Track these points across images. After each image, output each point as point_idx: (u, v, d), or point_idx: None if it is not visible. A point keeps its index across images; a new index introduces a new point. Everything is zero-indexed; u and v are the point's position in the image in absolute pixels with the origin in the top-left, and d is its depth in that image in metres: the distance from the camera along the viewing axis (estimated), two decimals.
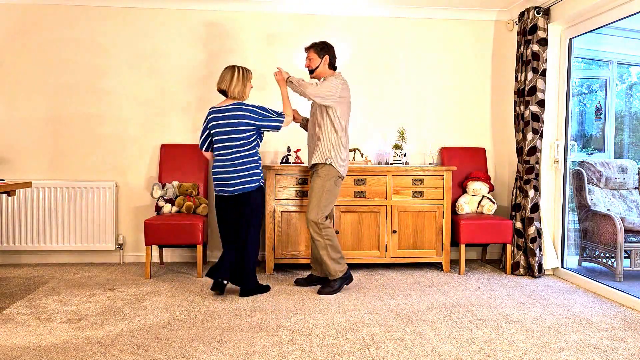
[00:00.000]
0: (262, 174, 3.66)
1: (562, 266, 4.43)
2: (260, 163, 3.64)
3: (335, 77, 3.78)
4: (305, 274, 4.33)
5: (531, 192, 4.35)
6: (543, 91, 4.30)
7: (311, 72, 3.84)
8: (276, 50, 4.81)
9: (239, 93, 3.59)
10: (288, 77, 3.74)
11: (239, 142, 3.54)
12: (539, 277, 4.33)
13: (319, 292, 3.72)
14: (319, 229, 3.70)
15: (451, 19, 4.94)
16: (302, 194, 4.29)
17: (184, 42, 4.73)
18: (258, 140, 3.64)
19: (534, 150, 4.34)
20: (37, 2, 4.58)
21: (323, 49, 3.81)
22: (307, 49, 3.84)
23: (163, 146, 4.68)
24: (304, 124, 4.06)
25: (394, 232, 4.37)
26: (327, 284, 3.75)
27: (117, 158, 4.73)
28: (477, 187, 4.64)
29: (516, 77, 4.53)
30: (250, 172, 3.56)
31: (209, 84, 4.67)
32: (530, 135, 4.34)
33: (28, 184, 3.62)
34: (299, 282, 3.99)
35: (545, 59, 4.29)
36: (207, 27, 4.74)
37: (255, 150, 3.61)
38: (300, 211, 4.31)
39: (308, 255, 4.32)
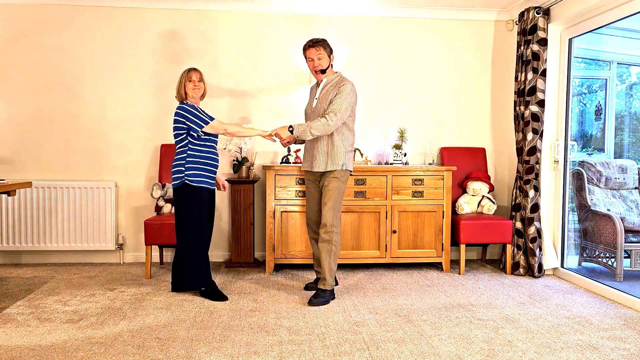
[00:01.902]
0: (190, 172, 3.53)
1: (562, 266, 4.43)
2: (187, 161, 3.54)
3: (349, 84, 3.52)
4: (305, 274, 4.33)
5: (531, 192, 4.35)
6: (543, 91, 4.30)
7: (322, 72, 3.59)
8: (276, 51, 4.81)
9: (178, 94, 3.68)
10: (290, 130, 3.48)
11: (174, 140, 3.66)
12: (539, 277, 4.33)
13: (311, 303, 3.47)
14: (331, 232, 3.53)
15: (451, 19, 4.94)
16: (302, 194, 4.29)
17: (183, 42, 4.73)
18: (190, 138, 3.57)
19: (534, 150, 4.34)
20: (38, 2, 4.58)
21: (329, 46, 3.58)
22: (316, 46, 3.54)
23: (163, 146, 4.68)
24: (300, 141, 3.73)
25: (394, 232, 4.37)
26: (319, 295, 3.51)
27: (117, 158, 4.73)
28: (477, 187, 4.64)
29: (516, 77, 4.53)
30: (175, 168, 3.60)
31: (209, 83, 4.66)
32: (530, 135, 4.34)
33: (28, 184, 3.62)
34: (310, 287, 3.88)
35: (545, 59, 4.29)
36: (207, 27, 4.75)
37: (184, 149, 3.58)
38: (301, 211, 4.31)
39: (308, 255, 4.32)
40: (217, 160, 3.69)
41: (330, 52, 3.60)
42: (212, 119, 3.58)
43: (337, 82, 3.58)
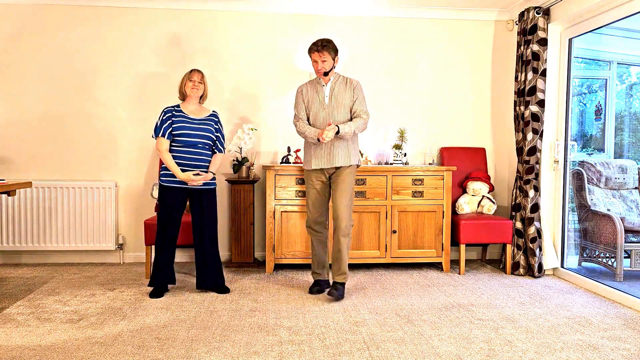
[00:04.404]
0: (162, 172, 3.65)
1: (562, 266, 4.43)
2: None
3: (360, 84, 3.76)
4: (305, 274, 4.33)
5: (531, 192, 4.35)
6: (543, 91, 4.30)
7: (325, 74, 3.65)
8: (277, 51, 4.81)
9: (179, 93, 3.79)
10: (337, 133, 3.52)
11: None
12: (539, 277, 4.33)
13: (331, 294, 3.57)
14: (350, 226, 3.65)
15: (451, 19, 4.94)
16: (302, 194, 4.29)
17: (183, 42, 4.73)
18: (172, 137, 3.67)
19: (534, 150, 4.34)
20: (36, 2, 4.58)
21: (334, 49, 3.64)
22: (320, 51, 3.58)
23: None
24: None
25: (394, 232, 4.37)
26: (338, 287, 3.61)
27: (117, 158, 4.73)
28: (477, 187, 4.64)
29: (516, 77, 4.53)
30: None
31: (212, 83, 4.66)
32: (530, 135, 4.34)
33: (28, 184, 3.62)
34: (313, 291, 3.80)
35: (545, 59, 4.29)
36: (209, 27, 4.75)
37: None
38: (301, 211, 4.31)
39: (308, 255, 4.32)
40: (193, 159, 3.60)
41: (335, 54, 3.66)
42: (169, 136, 3.60)
43: (345, 80, 3.73)
